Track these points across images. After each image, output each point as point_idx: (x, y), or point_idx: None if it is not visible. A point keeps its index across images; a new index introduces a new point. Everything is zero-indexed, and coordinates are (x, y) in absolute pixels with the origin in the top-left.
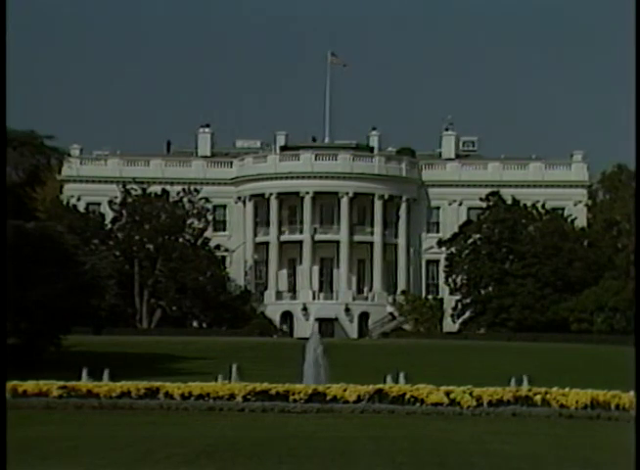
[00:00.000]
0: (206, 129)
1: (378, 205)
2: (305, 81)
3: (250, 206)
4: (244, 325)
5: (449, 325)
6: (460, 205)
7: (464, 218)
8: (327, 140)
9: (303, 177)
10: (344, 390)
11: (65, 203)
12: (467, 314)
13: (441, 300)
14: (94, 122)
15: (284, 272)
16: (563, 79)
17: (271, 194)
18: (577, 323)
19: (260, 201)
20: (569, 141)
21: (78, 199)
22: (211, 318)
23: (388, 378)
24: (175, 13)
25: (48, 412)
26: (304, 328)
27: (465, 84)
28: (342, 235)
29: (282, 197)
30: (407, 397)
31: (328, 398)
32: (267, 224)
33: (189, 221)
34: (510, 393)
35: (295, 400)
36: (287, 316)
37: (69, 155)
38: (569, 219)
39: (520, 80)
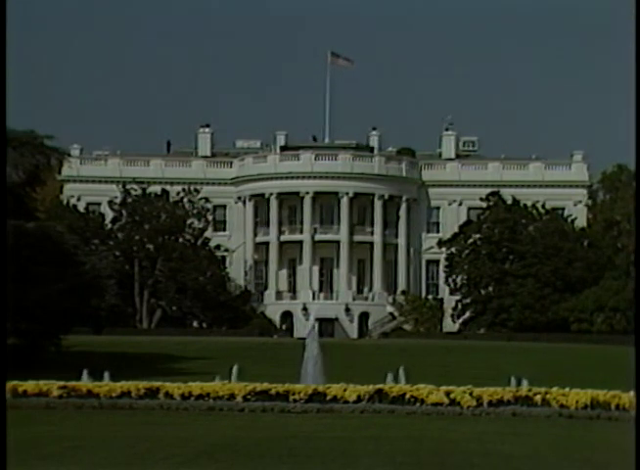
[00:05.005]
0: (206, 129)
1: (378, 205)
2: (305, 81)
3: (250, 206)
4: (244, 325)
5: (449, 325)
6: (460, 205)
7: (464, 218)
8: (327, 140)
9: (303, 177)
10: (344, 390)
11: (65, 203)
12: (467, 314)
13: (441, 300)
14: (94, 122)
15: (284, 272)
16: (563, 80)
17: (271, 194)
18: (577, 323)
19: (260, 201)
20: (569, 141)
21: (78, 199)
22: (211, 318)
23: (389, 377)
24: (175, 13)
25: (48, 412)
26: (304, 328)
27: (465, 84)
28: (343, 235)
29: (282, 197)
30: (407, 397)
31: (328, 398)
32: (267, 224)
33: (189, 221)
34: (510, 393)
35: (295, 400)
36: (287, 316)
37: (69, 155)
38: (569, 219)
39: (520, 80)
